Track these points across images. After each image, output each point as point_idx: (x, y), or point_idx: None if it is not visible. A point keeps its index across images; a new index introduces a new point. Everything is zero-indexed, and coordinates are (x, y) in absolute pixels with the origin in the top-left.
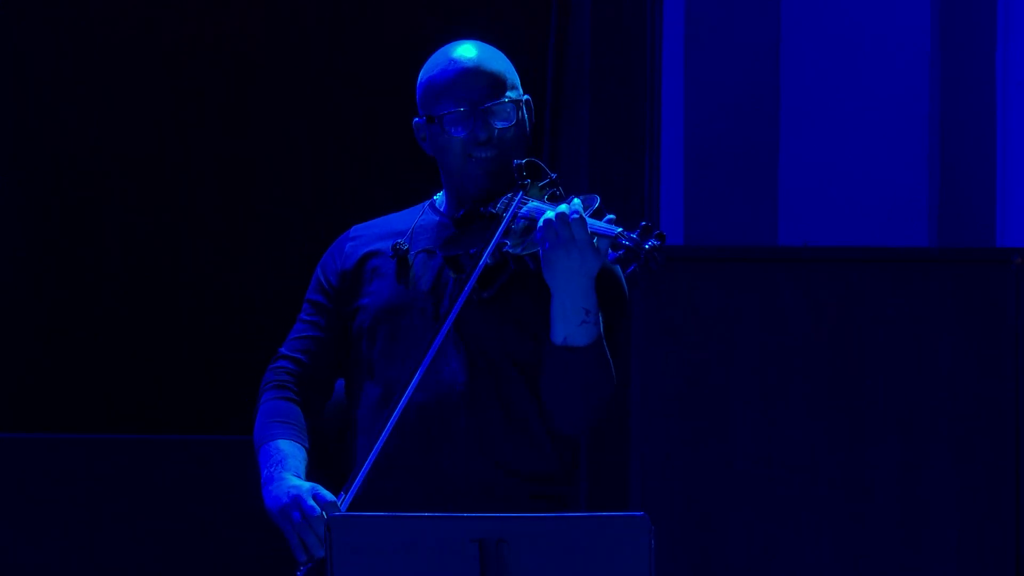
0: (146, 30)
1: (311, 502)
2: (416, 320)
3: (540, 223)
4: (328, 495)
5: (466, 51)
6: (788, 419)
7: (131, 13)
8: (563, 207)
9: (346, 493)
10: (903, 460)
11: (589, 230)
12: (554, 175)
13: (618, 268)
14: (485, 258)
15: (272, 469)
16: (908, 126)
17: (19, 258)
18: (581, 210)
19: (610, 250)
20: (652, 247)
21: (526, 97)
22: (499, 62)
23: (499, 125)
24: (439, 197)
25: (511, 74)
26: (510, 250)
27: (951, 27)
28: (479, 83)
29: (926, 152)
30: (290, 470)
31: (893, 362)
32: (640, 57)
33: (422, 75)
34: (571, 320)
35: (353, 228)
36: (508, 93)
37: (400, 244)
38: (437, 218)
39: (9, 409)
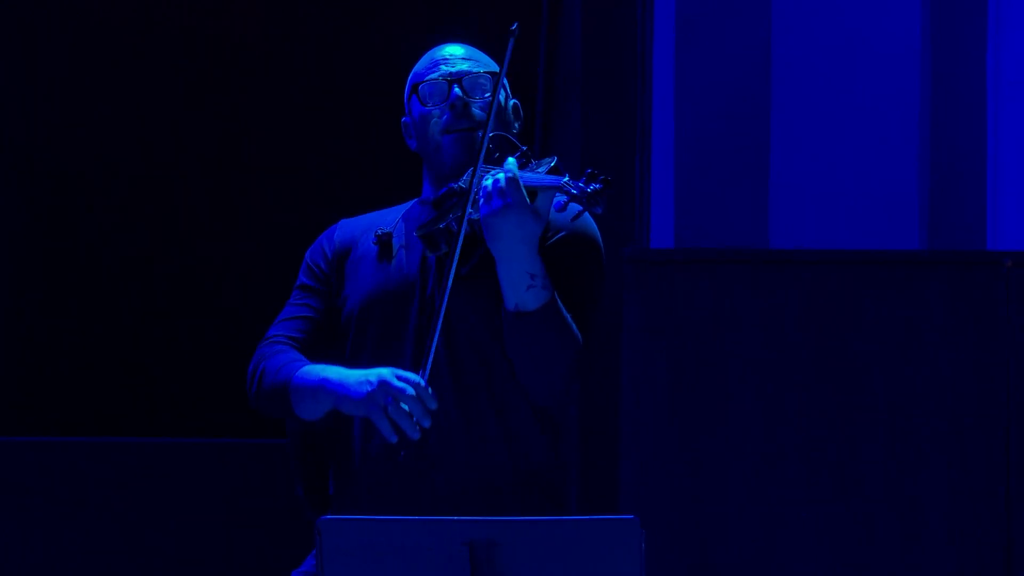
0: (137, 29)
1: (398, 382)
2: (402, 306)
3: (481, 189)
4: (410, 373)
5: (448, 44)
6: (780, 421)
7: (120, 11)
8: (509, 162)
9: (423, 370)
10: (895, 462)
11: (531, 185)
12: (524, 148)
13: (593, 228)
14: (463, 229)
15: (328, 373)
16: (899, 129)
17: (18, 259)
18: (515, 171)
19: (558, 197)
20: (594, 190)
21: (513, 101)
22: (481, 53)
23: (475, 96)
24: (424, 194)
25: (492, 64)
26: (474, 217)
27: (942, 29)
28: (455, 56)
29: (917, 155)
30: (348, 371)
31: (884, 365)
32: (631, 59)
33: (410, 75)
34: (518, 286)
35: (342, 220)
36: (486, 72)
37: (382, 231)
38: (421, 209)
39: (8, 410)
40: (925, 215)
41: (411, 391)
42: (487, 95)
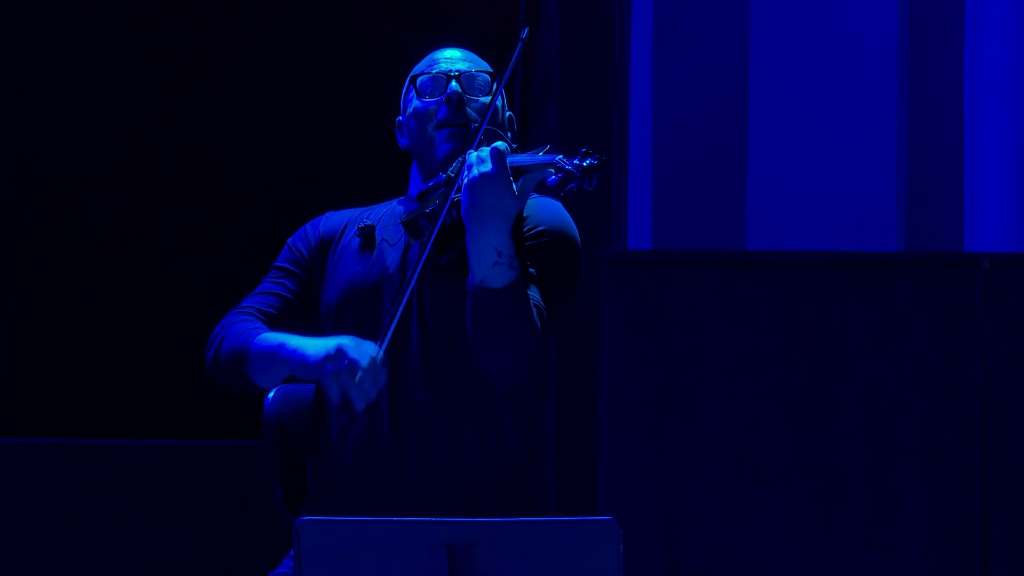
0: (126, 29)
1: (355, 352)
2: (378, 299)
3: (467, 160)
4: (369, 344)
5: (450, 47)
6: (757, 423)
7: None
8: (499, 142)
9: (380, 344)
10: (872, 463)
11: (520, 164)
12: (515, 145)
13: (573, 228)
14: (444, 211)
15: (286, 339)
16: (876, 131)
17: (16, 259)
18: (504, 147)
19: (552, 174)
20: (590, 165)
21: (509, 113)
22: (479, 58)
23: (472, 94)
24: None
25: (489, 68)
26: (458, 198)
27: (919, 32)
28: (455, 57)
29: (894, 156)
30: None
31: (862, 366)
32: (608, 61)
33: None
34: (484, 260)
35: (329, 212)
36: (484, 72)
37: (365, 224)
38: (408, 205)
39: (7, 411)
40: (903, 217)
41: (365, 361)
42: (484, 96)
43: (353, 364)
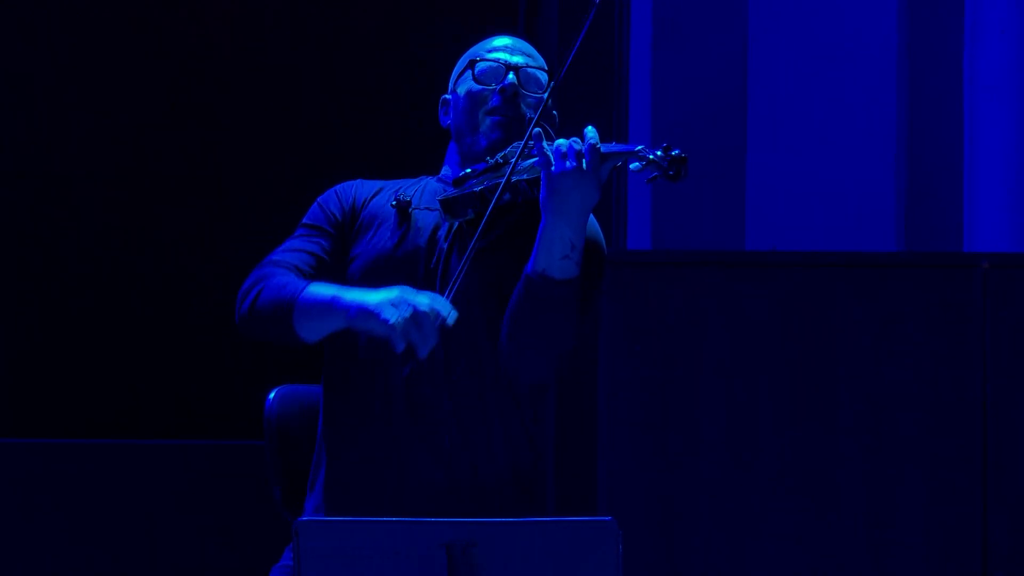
0: (126, 29)
1: (418, 298)
2: (407, 274)
3: (554, 147)
4: (428, 292)
5: (510, 36)
6: (756, 424)
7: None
8: (589, 131)
9: (449, 292)
10: (871, 463)
11: (609, 151)
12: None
13: (603, 241)
14: (503, 184)
15: (341, 291)
16: (876, 131)
17: (16, 259)
18: (596, 138)
19: (633, 162)
20: (677, 156)
21: (555, 112)
22: (535, 51)
23: (528, 89)
24: (446, 171)
25: (546, 67)
26: (522, 178)
27: (918, 33)
28: (516, 48)
29: (894, 157)
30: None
31: (861, 367)
32: (607, 61)
33: (464, 55)
34: (555, 252)
35: (359, 179)
36: (542, 70)
37: (403, 196)
38: (441, 185)
39: (6, 412)
40: (902, 217)
41: (427, 301)
42: (538, 92)
43: (416, 305)
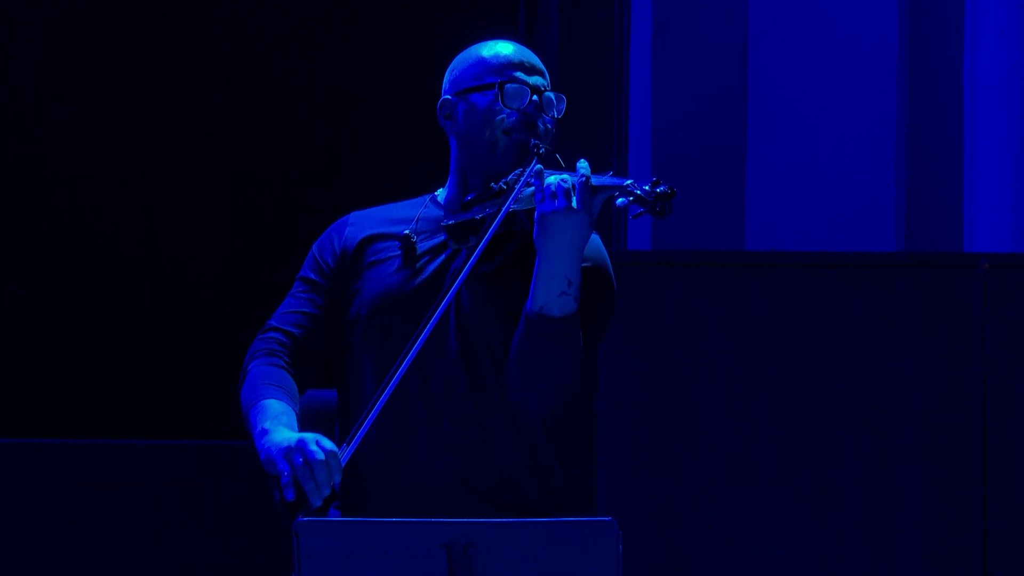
0: (121, 29)
1: (314, 447)
2: (412, 312)
3: (544, 186)
4: (331, 443)
5: (516, 44)
6: (756, 424)
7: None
8: (581, 166)
9: (347, 445)
10: (871, 464)
11: (597, 184)
12: (563, 166)
13: (610, 265)
14: (501, 216)
15: (268, 423)
16: (876, 131)
17: (15, 259)
18: (588, 172)
19: (620, 197)
20: (663, 192)
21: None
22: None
23: (547, 112)
24: (441, 192)
25: (565, 96)
26: (516, 208)
27: (919, 33)
28: (536, 69)
29: (894, 157)
30: (288, 426)
31: (861, 367)
32: (607, 62)
33: (462, 58)
34: (552, 288)
35: (352, 214)
36: (563, 101)
37: (411, 235)
38: (440, 212)
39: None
40: (902, 217)
41: (321, 456)
42: (555, 114)
43: (310, 458)
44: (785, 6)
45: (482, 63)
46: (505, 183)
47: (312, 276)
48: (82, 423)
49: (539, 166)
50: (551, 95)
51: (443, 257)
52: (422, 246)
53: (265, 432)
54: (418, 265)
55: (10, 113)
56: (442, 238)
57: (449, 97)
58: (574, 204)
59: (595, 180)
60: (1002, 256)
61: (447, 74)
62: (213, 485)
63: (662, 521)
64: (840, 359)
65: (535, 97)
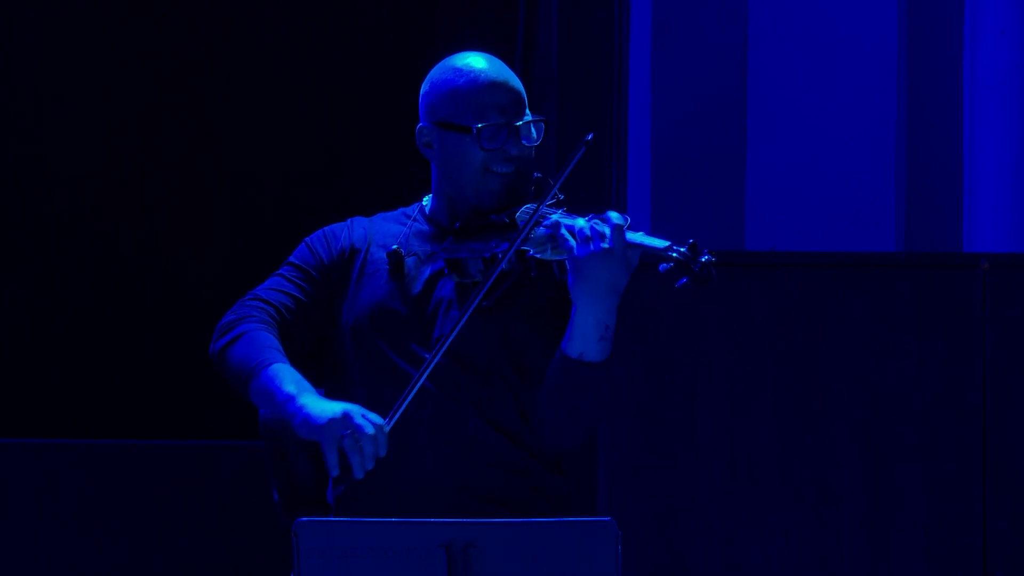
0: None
1: (361, 420)
2: (402, 327)
3: (576, 230)
4: (377, 416)
5: (488, 64)
6: (755, 424)
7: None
8: (613, 215)
9: (390, 419)
10: (871, 463)
11: (635, 243)
12: (561, 196)
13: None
14: (506, 258)
15: (293, 386)
16: (876, 131)
17: (15, 259)
18: (621, 221)
19: (661, 264)
20: (708, 261)
21: (543, 116)
22: (517, 79)
23: (526, 143)
24: (427, 201)
25: (544, 119)
26: (535, 255)
27: (918, 33)
28: (511, 98)
29: (893, 157)
30: (316, 394)
31: (861, 367)
32: (607, 62)
33: (436, 83)
34: (591, 335)
35: (356, 217)
36: (530, 112)
37: (398, 249)
38: (429, 228)
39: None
40: (902, 217)
41: (371, 430)
42: (531, 142)
43: (358, 431)
44: (785, 6)
45: (456, 96)
46: (508, 216)
47: (303, 265)
48: (82, 423)
49: (555, 216)
50: (529, 122)
51: (429, 272)
52: (411, 262)
53: (292, 396)
54: (406, 282)
55: (10, 113)
56: (428, 251)
57: (426, 126)
58: (611, 246)
59: (637, 238)
60: (1002, 256)
61: (422, 95)
62: (213, 485)
63: (662, 521)
64: (840, 359)
65: (512, 134)
